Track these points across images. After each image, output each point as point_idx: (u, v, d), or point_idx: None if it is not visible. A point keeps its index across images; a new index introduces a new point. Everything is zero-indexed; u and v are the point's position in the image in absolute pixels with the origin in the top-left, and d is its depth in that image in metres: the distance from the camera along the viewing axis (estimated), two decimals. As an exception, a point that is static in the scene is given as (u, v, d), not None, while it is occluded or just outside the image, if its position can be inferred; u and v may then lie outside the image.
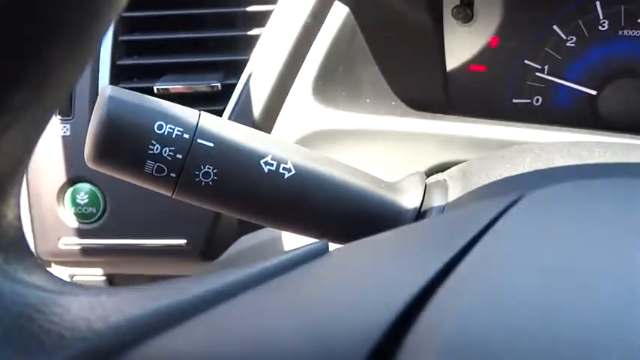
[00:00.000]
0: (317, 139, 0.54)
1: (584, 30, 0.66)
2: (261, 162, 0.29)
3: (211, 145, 0.29)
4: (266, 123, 0.52)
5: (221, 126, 0.30)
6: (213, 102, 0.53)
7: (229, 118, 0.51)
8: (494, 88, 0.72)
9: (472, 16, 0.71)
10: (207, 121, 0.30)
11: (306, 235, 0.33)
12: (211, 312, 0.16)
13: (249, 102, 0.51)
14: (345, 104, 0.57)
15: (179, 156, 0.29)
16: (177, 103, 0.56)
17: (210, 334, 0.15)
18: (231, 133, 0.30)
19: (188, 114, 0.30)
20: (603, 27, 0.65)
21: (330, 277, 0.18)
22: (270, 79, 0.52)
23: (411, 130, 0.54)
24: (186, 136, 0.29)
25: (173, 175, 0.29)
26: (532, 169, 0.29)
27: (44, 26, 0.14)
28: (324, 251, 0.19)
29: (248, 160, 0.29)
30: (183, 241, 0.51)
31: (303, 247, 0.19)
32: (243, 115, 0.51)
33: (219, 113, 0.52)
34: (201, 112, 0.31)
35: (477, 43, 0.72)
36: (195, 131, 0.29)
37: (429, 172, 0.52)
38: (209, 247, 0.51)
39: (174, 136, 0.29)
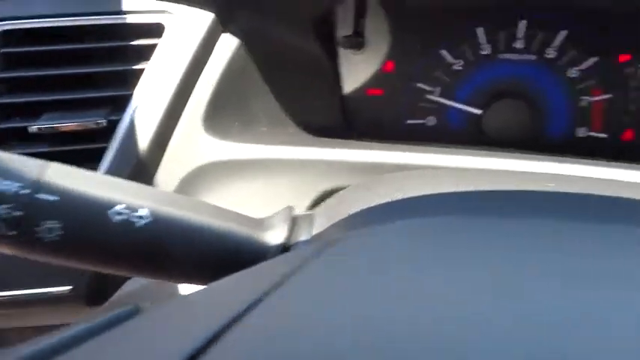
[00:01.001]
0: (210, 171, 0.54)
1: (469, 54, 0.70)
2: (109, 212, 0.28)
3: (56, 198, 0.28)
4: (153, 157, 0.51)
5: (69, 176, 0.29)
6: (99, 139, 0.51)
7: (113, 156, 0.50)
8: (391, 110, 0.74)
9: (363, 43, 0.73)
10: (54, 172, 0.29)
11: (174, 281, 0.32)
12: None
13: (134, 137, 0.50)
14: (239, 135, 0.56)
15: (18, 213, 0.27)
16: (60, 142, 0.54)
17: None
18: (79, 184, 0.29)
19: (29, 167, 0.28)
20: (485, 51, 0.69)
21: (129, 336, 0.17)
22: (156, 112, 0.51)
23: (306, 158, 0.55)
24: (25, 191, 0.28)
25: (12, 233, 0.28)
26: (385, 202, 0.30)
27: None
28: (133, 315, 0.18)
29: (95, 211, 0.28)
30: (68, 288, 0.48)
31: (114, 311, 0.18)
32: (127, 151, 0.50)
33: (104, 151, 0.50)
34: (48, 163, 0.30)
35: (371, 68, 0.74)
36: (36, 185, 0.28)
37: (321, 199, 0.53)
38: (95, 292, 0.49)
39: (12, 192, 0.27)
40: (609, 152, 0.63)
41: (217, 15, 0.54)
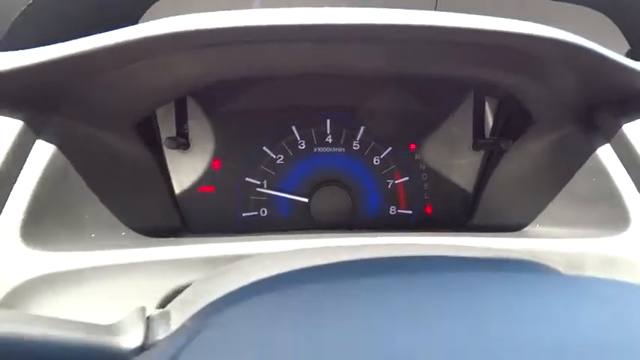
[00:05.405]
0: (35, 287, 0.46)
1: (288, 149, 0.74)
2: None
3: None
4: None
5: None
6: None
7: None
8: (225, 205, 0.75)
9: (188, 144, 0.71)
10: None
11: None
12: None
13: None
14: (66, 243, 0.50)
15: None
16: None
17: None
18: None
19: None
20: (302, 146, 0.75)
21: None
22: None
23: (143, 260, 0.50)
24: None
25: None
26: (234, 289, 0.33)
27: None
28: None
29: None
30: None
31: None
32: None
33: None
34: None
35: (200, 166, 0.72)
36: None
37: (168, 299, 0.48)
38: None
39: None
40: (417, 225, 0.76)
41: (27, 122, 0.50)
